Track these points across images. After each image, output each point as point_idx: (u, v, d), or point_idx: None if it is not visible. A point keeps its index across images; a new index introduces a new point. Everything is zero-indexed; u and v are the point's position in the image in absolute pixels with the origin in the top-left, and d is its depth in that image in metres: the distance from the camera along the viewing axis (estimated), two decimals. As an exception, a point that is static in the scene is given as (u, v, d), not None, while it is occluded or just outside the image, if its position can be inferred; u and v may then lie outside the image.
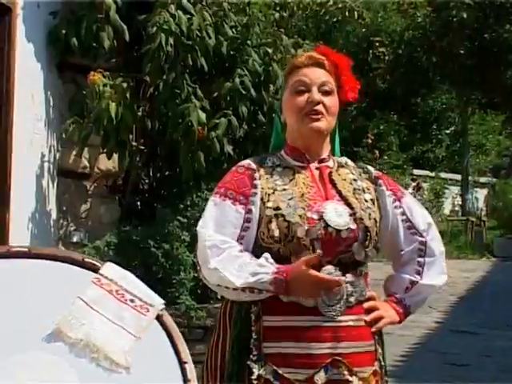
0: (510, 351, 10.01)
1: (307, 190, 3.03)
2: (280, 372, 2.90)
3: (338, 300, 2.94)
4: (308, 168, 3.13)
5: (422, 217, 3.24)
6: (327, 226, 2.94)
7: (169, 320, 2.11)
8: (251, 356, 2.93)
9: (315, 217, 2.95)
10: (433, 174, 31.96)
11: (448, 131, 37.26)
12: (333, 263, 2.94)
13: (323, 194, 3.05)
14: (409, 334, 10.61)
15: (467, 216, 27.41)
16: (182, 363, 2.05)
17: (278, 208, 2.97)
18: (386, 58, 28.62)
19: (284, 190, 3.02)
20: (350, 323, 2.97)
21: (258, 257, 2.94)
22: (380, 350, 3.08)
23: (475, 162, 34.12)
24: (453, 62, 26.32)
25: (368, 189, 3.16)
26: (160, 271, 6.69)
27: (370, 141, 29.37)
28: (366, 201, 3.09)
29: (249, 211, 3.00)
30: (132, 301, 2.09)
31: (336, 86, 3.16)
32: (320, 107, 3.07)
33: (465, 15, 25.14)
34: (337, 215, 2.97)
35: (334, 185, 3.09)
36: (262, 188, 3.03)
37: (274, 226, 2.95)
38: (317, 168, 3.15)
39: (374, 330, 3.04)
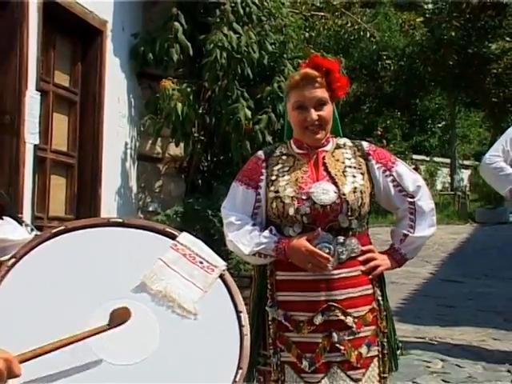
0: (487, 295, 9.96)
1: (301, 175, 3.05)
2: (288, 315, 2.98)
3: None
4: (307, 155, 3.13)
5: (411, 181, 3.17)
6: (314, 203, 2.96)
7: (229, 278, 2.11)
8: (268, 303, 3.03)
9: (304, 197, 2.98)
10: (428, 159, 31.78)
11: (440, 125, 36.98)
12: (325, 230, 2.97)
13: (315, 177, 3.05)
14: (409, 282, 10.59)
15: (455, 191, 27.28)
16: (238, 312, 2.05)
17: (277, 191, 3.03)
18: (392, 68, 28.31)
19: (283, 176, 3.07)
20: (343, 275, 2.99)
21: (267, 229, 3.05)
22: (378, 292, 3.09)
23: (461, 149, 33.89)
24: (444, 71, 26.11)
25: (359, 165, 3.12)
26: (216, 234, 6.68)
27: (379, 132, 29.15)
28: (354, 177, 3.07)
29: (258, 194, 3.08)
30: (201, 262, 2.08)
31: (329, 90, 3.11)
32: (317, 123, 3.07)
33: (453, 34, 24.94)
34: (323, 193, 2.98)
35: (326, 167, 3.08)
36: (268, 175, 3.10)
37: (274, 205, 3.02)
38: (315, 154, 3.13)
39: (370, 276, 3.05)
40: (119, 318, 1.88)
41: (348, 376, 2.95)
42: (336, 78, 3.13)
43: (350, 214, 2.99)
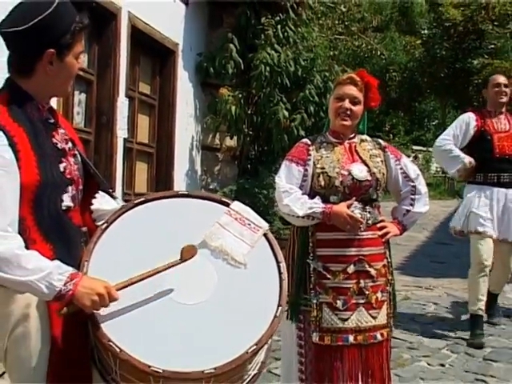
0: (471, 255, 9.81)
1: (341, 157, 3.09)
2: (327, 266, 3.01)
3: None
4: (343, 143, 3.16)
5: (413, 170, 3.27)
6: (353, 178, 3.02)
7: (271, 236, 2.11)
8: (309, 257, 3.04)
9: (346, 173, 3.02)
10: (425, 149, 31.42)
11: (434, 123, 36.49)
12: (357, 200, 3.01)
13: (351, 159, 3.10)
14: (410, 244, 10.47)
15: (445, 174, 26.89)
16: (278, 262, 2.05)
17: (323, 168, 3.05)
18: (396, 79, 28.04)
19: (327, 157, 3.09)
20: (369, 236, 3.05)
21: (312, 198, 3.03)
22: (387, 252, 3.15)
23: (450, 141, 33.34)
24: (437, 81, 25.82)
25: (379, 154, 3.19)
26: (261, 206, 6.69)
27: (386, 129, 28.95)
28: (378, 162, 3.13)
29: (306, 170, 3.09)
30: (249, 224, 2.08)
31: (364, 98, 3.13)
32: (347, 112, 3.10)
33: (444, 53, 24.77)
34: (359, 171, 3.04)
35: (358, 153, 3.13)
36: (314, 156, 3.10)
37: (321, 179, 3.04)
38: (347, 143, 3.17)
39: (383, 240, 3.11)
40: (188, 253, 1.89)
41: (369, 314, 3.03)
42: (373, 89, 3.17)
43: (378, 188, 3.08)
